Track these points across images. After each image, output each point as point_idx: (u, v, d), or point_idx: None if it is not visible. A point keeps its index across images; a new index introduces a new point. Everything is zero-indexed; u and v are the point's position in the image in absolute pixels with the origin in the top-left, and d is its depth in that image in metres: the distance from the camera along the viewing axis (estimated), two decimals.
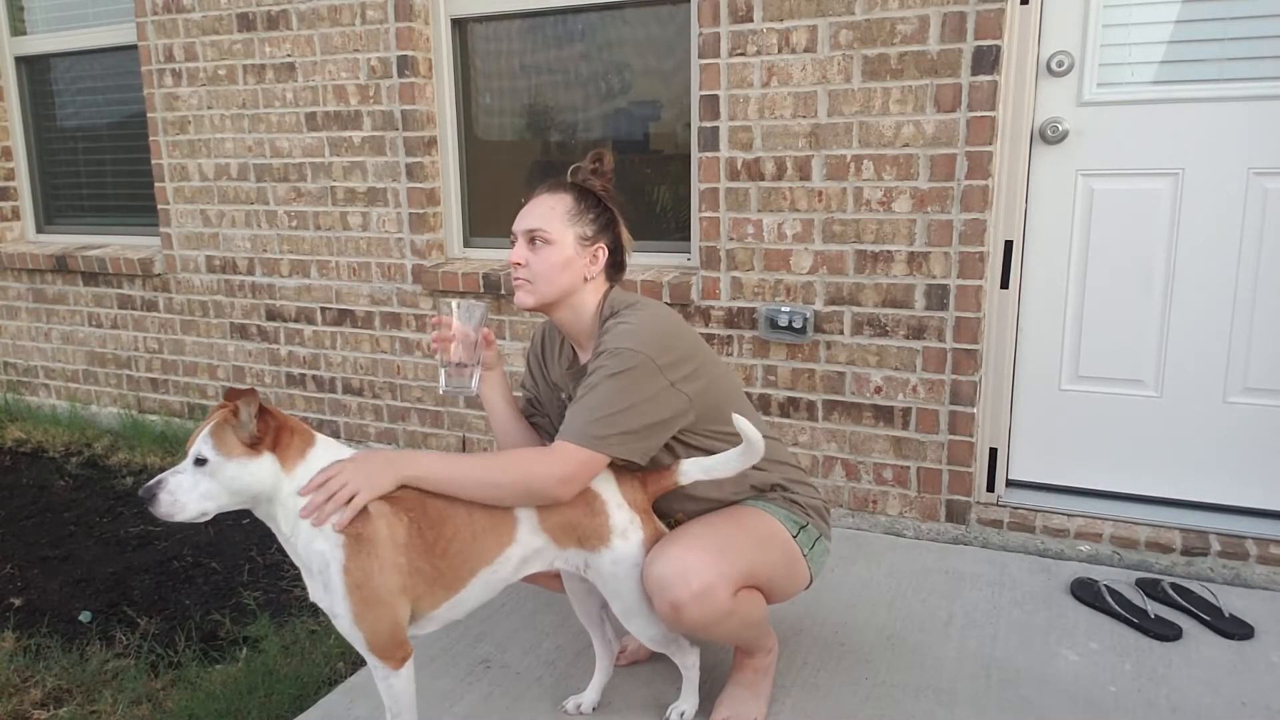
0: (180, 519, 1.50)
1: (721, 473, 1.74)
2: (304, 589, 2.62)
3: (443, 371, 1.80)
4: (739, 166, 2.83)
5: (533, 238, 1.76)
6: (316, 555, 1.55)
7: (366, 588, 1.54)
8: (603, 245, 1.80)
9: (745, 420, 1.64)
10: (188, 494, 1.50)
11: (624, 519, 1.72)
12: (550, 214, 1.76)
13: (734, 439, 1.75)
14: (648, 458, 1.72)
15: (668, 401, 1.70)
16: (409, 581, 1.58)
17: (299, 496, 1.55)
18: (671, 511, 1.90)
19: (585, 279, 1.79)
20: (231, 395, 1.49)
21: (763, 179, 2.81)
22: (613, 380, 1.66)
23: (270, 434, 1.52)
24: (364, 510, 1.57)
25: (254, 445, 1.51)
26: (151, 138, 3.78)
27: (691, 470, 1.75)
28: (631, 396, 1.66)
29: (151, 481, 1.50)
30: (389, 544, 1.56)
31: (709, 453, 1.78)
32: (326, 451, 1.60)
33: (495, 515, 1.67)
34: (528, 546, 1.70)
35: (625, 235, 1.85)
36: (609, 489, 1.73)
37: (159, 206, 3.83)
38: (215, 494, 1.51)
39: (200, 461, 1.50)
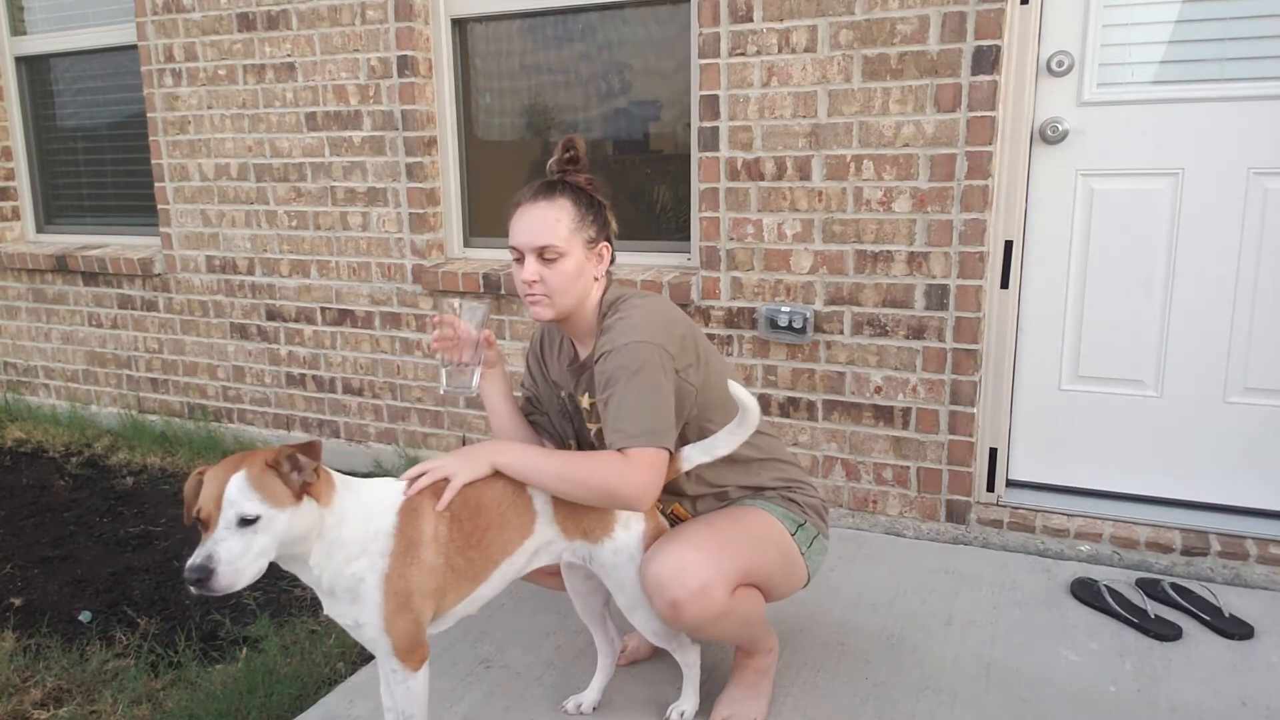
0: (239, 587, 1.37)
1: (723, 449, 1.74)
2: (304, 589, 2.62)
3: (444, 371, 1.80)
4: (739, 166, 2.83)
5: (544, 253, 1.72)
6: (348, 576, 1.53)
7: (402, 593, 1.55)
8: (605, 243, 1.80)
9: (740, 387, 1.66)
10: (243, 559, 1.37)
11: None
12: (556, 225, 1.72)
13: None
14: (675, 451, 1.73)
15: (680, 393, 1.72)
16: (443, 580, 1.60)
17: (341, 527, 1.53)
18: (668, 505, 1.91)
19: (595, 279, 1.79)
20: (307, 449, 1.43)
21: (763, 179, 2.81)
22: (639, 376, 1.66)
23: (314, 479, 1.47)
24: (415, 512, 1.58)
25: (299, 493, 1.44)
26: (151, 138, 3.78)
27: (693, 455, 1.75)
28: (660, 387, 1.67)
29: (197, 561, 1.34)
30: (432, 545, 1.58)
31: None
32: (342, 478, 1.59)
33: (519, 506, 1.69)
34: (541, 538, 1.71)
35: (613, 224, 1.85)
36: None
37: (159, 206, 3.83)
38: (269, 550, 1.41)
39: (247, 521, 1.38)
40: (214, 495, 1.39)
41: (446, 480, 1.64)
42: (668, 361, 1.69)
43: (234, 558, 1.36)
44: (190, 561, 1.35)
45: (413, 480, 1.63)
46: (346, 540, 1.53)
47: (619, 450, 1.64)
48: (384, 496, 1.59)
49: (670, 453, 1.69)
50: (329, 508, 1.51)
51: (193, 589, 1.35)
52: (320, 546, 1.51)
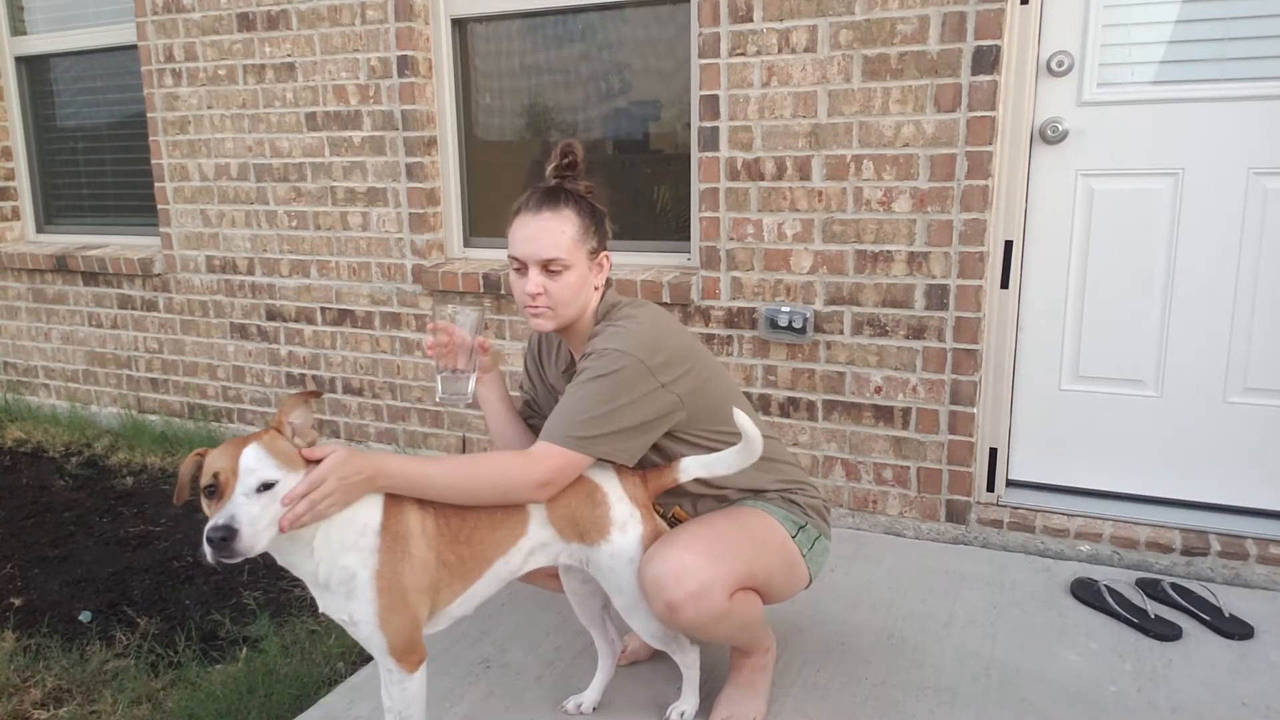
0: (256, 552, 1.39)
1: (721, 470, 1.74)
2: (304, 589, 2.62)
3: (439, 378, 1.79)
4: (739, 166, 2.83)
5: (548, 266, 1.70)
6: (341, 570, 1.53)
7: (396, 589, 1.54)
8: (606, 253, 1.79)
9: (745, 417, 1.64)
10: (260, 522, 1.39)
11: (624, 512, 1.73)
12: (562, 238, 1.70)
13: (733, 438, 1.75)
14: (635, 459, 1.72)
15: (656, 402, 1.70)
16: (435, 576, 1.59)
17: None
18: (669, 507, 1.91)
19: (595, 288, 1.79)
20: (307, 396, 1.48)
21: (763, 179, 2.81)
22: (597, 382, 1.66)
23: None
24: (399, 505, 1.58)
25: (305, 461, 1.48)
26: (151, 138, 3.78)
27: (691, 468, 1.75)
28: (617, 397, 1.65)
29: (220, 521, 1.35)
30: (420, 539, 1.58)
31: (709, 452, 1.79)
32: None
33: (510, 507, 1.68)
34: (536, 539, 1.71)
35: (609, 231, 1.84)
36: (610, 482, 1.74)
37: (159, 206, 3.83)
38: (278, 518, 1.43)
39: (267, 486, 1.41)
40: (230, 465, 1.41)
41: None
42: (643, 374, 1.67)
43: (253, 520, 1.39)
44: (213, 522, 1.37)
45: (297, 515, 1.44)
46: (343, 520, 1.53)
47: (527, 449, 1.66)
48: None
49: (606, 459, 1.69)
50: None
51: (212, 552, 1.36)
52: (324, 527, 1.52)
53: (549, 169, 1.80)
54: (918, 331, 2.71)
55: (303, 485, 1.46)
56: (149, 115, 3.76)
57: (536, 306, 1.73)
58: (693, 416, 1.77)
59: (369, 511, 1.56)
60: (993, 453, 2.77)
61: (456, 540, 1.62)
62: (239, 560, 1.39)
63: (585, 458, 1.66)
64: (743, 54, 2.76)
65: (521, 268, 1.73)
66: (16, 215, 4.38)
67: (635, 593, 1.73)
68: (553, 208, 1.72)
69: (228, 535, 1.36)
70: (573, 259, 1.71)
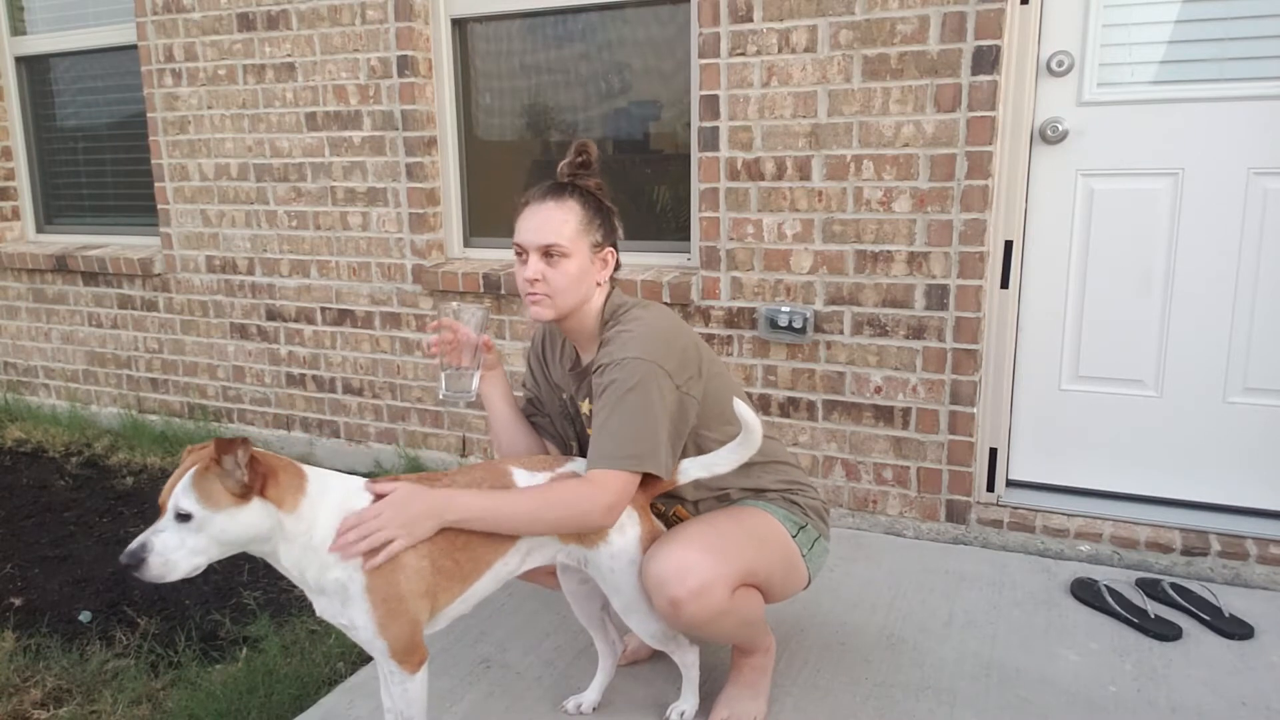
0: (172, 579, 1.41)
1: (722, 467, 1.74)
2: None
3: (443, 376, 1.79)
4: (739, 166, 2.83)
5: (548, 252, 1.72)
6: (332, 582, 1.52)
7: (393, 598, 1.53)
8: (611, 249, 1.80)
9: (745, 406, 1.65)
10: (176, 553, 1.40)
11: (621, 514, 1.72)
12: (563, 227, 1.72)
13: (732, 439, 1.76)
14: (671, 472, 1.72)
15: (678, 407, 1.71)
16: (431, 582, 1.58)
17: (311, 532, 1.50)
18: (670, 507, 1.91)
19: (597, 284, 1.79)
20: (223, 447, 1.40)
21: (763, 179, 2.81)
22: (630, 396, 1.65)
23: (259, 480, 1.44)
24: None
25: (243, 494, 1.43)
26: (151, 138, 3.78)
27: (691, 469, 1.75)
28: (651, 409, 1.66)
29: (134, 546, 1.40)
30: (411, 551, 1.56)
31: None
32: (324, 482, 1.55)
33: None
34: (533, 539, 1.71)
35: (620, 231, 1.85)
36: None
37: (159, 206, 3.83)
38: (205, 548, 1.42)
39: (183, 517, 1.41)
40: (171, 483, 1.43)
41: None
42: (664, 379, 1.68)
43: (168, 550, 1.41)
44: (129, 546, 1.40)
45: (348, 543, 1.51)
46: (319, 547, 1.51)
47: (585, 475, 1.66)
48: (353, 505, 1.55)
49: (654, 474, 1.68)
50: (293, 513, 1.49)
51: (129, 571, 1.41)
52: (290, 549, 1.50)
53: (562, 165, 1.81)
54: (918, 331, 2.71)
55: (355, 516, 1.52)
56: (149, 115, 3.76)
57: (535, 293, 1.74)
58: (700, 418, 1.77)
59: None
60: (993, 453, 2.77)
61: (453, 547, 1.61)
62: (166, 581, 1.43)
63: (638, 476, 1.67)
64: (743, 54, 2.76)
65: (523, 254, 1.75)
66: (16, 215, 4.38)
67: (633, 593, 1.73)
68: (557, 198, 1.74)
69: (131, 563, 1.39)
70: (573, 248, 1.72)
